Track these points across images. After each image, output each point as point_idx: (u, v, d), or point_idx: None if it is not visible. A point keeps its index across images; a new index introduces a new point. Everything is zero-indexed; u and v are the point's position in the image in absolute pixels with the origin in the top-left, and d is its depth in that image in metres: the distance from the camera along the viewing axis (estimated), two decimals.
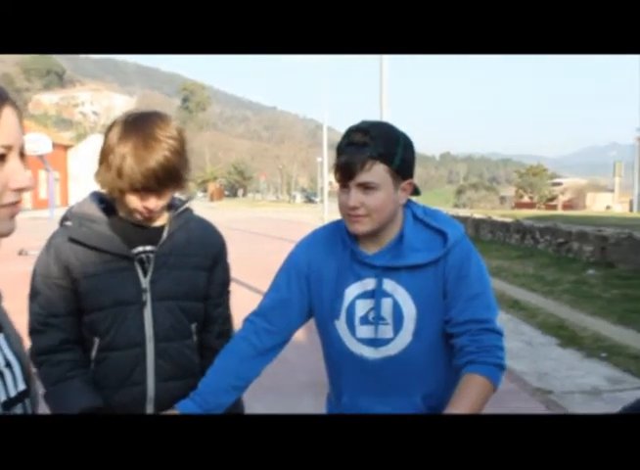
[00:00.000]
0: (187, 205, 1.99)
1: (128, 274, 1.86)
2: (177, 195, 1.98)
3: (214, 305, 2.02)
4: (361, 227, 1.71)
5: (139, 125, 1.77)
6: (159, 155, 1.75)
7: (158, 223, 1.92)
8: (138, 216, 1.85)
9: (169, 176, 1.78)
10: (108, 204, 1.92)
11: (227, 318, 2.07)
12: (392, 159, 1.66)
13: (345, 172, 1.67)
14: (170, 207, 1.94)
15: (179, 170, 1.81)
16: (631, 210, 43.78)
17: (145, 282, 1.87)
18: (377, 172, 1.65)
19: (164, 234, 1.90)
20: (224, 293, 2.07)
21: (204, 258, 1.97)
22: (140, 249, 1.89)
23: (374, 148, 1.64)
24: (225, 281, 2.07)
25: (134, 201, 1.80)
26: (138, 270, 1.87)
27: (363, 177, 1.65)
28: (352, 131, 1.69)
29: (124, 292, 1.86)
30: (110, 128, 1.82)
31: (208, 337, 2.01)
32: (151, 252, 1.89)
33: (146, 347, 1.87)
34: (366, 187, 1.66)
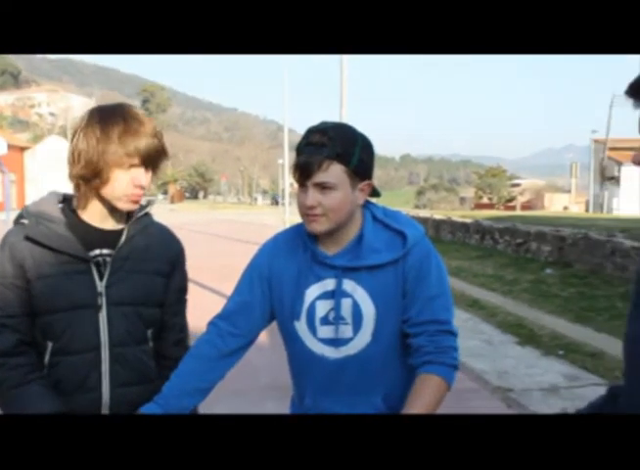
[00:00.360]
0: (147, 209, 1.96)
1: (84, 277, 1.83)
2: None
3: (172, 312, 1.99)
4: (318, 227, 1.72)
5: (119, 109, 1.80)
6: (149, 129, 1.78)
7: (116, 227, 1.89)
8: (123, 204, 1.81)
9: (161, 150, 1.82)
10: (66, 204, 1.89)
11: (184, 326, 2.05)
12: (350, 159, 1.68)
13: (303, 172, 1.69)
14: (129, 211, 1.91)
15: (164, 147, 1.85)
16: (587, 210, 44.69)
17: (101, 286, 1.83)
18: (334, 172, 1.67)
19: (123, 238, 1.87)
20: (182, 300, 2.04)
21: (162, 264, 1.95)
22: (97, 252, 1.85)
23: (331, 148, 1.66)
24: (183, 288, 2.04)
25: (123, 182, 1.78)
26: (94, 274, 1.83)
27: (320, 177, 1.67)
28: (311, 132, 1.70)
29: (79, 295, 1.82)
30: (86, 119, 1.80)
31: (165, 345, 1.99)
32: (108, 255, 1.86)
33: (101, 351, 1.84)
34: (323, 187, 1.68)
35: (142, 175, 1.80)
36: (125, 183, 1.78)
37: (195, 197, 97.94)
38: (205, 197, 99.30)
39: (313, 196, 1.69)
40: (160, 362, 1.97)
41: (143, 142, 1.77)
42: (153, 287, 1.92)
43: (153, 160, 1.81)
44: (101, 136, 1.75)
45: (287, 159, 33.29)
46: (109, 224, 1.88)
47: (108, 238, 1.87)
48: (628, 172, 39.14)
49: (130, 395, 1.86)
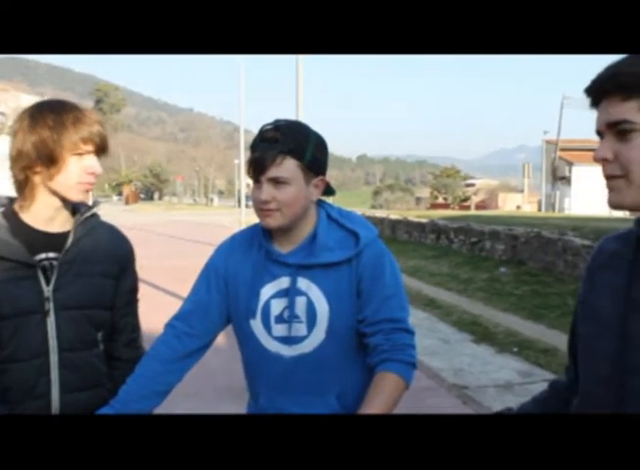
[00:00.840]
0: (93, 210, 1.92)
1: (30, 282, 1.78)
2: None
3: (122, 314, 1.96)
4: (272, 221, 1.73)
5: (64, 102, 1.83)
6: (96, 117, 1.81)
7: (62, 229, 1.85)
8: (76, 194, 1.79)
9: (107, 138, 1.83)
10: (8, 208, 1.84)
11: (135, 327, 2.02)
12: (303, 154, 1.70)
13: (257, 167, 1.70)
14: (75, 212, 1.88)
15: (107, 136, 1.86)
16: (540, 209, 45.52)
17: (48, 290, 1.79)
18: (287, 167, 1.69)
19: (69, 240, 1.83)
20: (132, 301, 2.01)
21: (110, 266, 1.91)
22: (43, 256, 1.81)
23: (284, 143, 1.68)
24: (133, 289, 2.01)
25: (77, 170, 1.76)
26: (41, 278, 1.79)
27: (274, 172, 1.68)
28: (265, 129, 1.72)
29: (26, 301, 1.77)
30: (31, 112, 1.78)
31: (116, 346, 1.96)
32: (54, 259, 1.81)
33: (50, 357, 1.80)
34: (277, 181, 1.69)
35: (95, 162, 1.80)
36: (79, 170, 1.77)
37: (150, 198, 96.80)
38: (160, 198, 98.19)
39: (267, 191, 1.70)
40: (111, 364, 1.94)
41: (95, 129, 1.78)
42: (101, 289, 1.89)
43: (103, 147, 1.82)
44: (54, 124, 1.74)
45: (243, 159, 33.15)
46: (54, 227, 1.84)
47: (53, 241, 1.82)
48: (579, 173, 40.03)
49: (81, 400, 1.83)
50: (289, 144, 1.68)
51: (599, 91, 1.14)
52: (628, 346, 1.14)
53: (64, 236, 1.84)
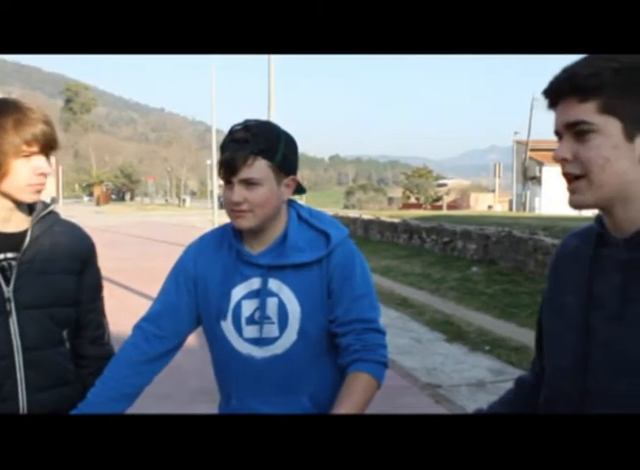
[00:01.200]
0: (51, 207, 1.90)
1: None
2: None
3: (86, 310, 1.94)
4: (245, 222, 1.72)
5: (7, 101, 1.79)
6: (41, 115, 1.76)
7: (19, 229, 1.83)
8: (28, 195, 1.76)
9: (55, 136, 1.79)
10: None
11: (100, 324, 2.01)
12: (274, 154, 1.70)
13: (228, 169, 1.69)
14: (32, 211, 1.86)
15: (56, 133, 1.82)
16: (511, 209, 45.98)
17: (8, 291, 1.77)
18: (259, 168, 1.68)
19: (27, 239, 1.81)
20: (96, 298, 2.00)
21: (71, 262, 1.89)
22: (1, 256, 1.79)
23: (255, 144, 1.67)
24: (97, 285, 2.00)
25: (25, 172, 1.73)
26: (0, 279, 1.78)
27: (246, 173, 1.67)
28: (234, 129, 1.72)
29: None
30: None
31: (81, 343, 1.95)
32: (13, 259, 1.79)
33: (14, 358, 1.78)
34: (249, 183, 1.68)
35: (43, 163, 1.77)
36: (28, 172, 1.74)
37: (121, 199, 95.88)
38: (131, 198, 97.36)
39: (239, 192, 1.69)
40: (77, 362, 1.93)
41: (39, 129, 1.74)
42: (63, 286, 1.87)
43: (51, 146, 1.78)
44: None
45: (215, 160, 33.01)
46: (10, 227, 1.81)
47: (11, 241, 1.80)
48: (549, 173, 40.44)
49: (48, 399, 1.81)
50: (259, 144, 1.67)
51: (557, 93, 1.17)
52: (590, 340, 1.18)
53: (21, 235, 1.82)
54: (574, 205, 1.18)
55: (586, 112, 1.13)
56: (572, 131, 1.15)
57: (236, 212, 1.72)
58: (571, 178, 1.17)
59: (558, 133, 1.19)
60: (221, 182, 1.76)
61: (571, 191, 1.17)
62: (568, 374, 1.23)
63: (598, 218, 1.25)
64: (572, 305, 1.24)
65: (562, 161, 1.17)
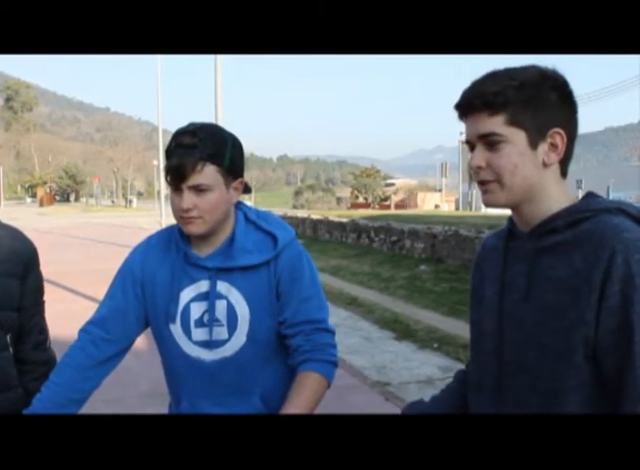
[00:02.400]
0: None
1: None
2: None
3: (30, 315, 1.92)
4: (195, 228, 1.70)
5: None
6: None
7: None
8: None
9: None
10: None
11: (43, 329, 1.98)
12: (222, 159, 1.68)
13: (177, 175, 1.65)
14: None
15: None
16: (457, 208, 46.68)
17: None
18: (208, 173, 1.66)
19: None
20: (39, 302, 1.98)
21: (14, 266, 1.87)
22: None
23: (203, 149, 1.64)
24: (39, 289, 1.98)
25: None
26: None
27: (195, 179, 1.65)
28: (180, 133, 1.68)
29: None
30: None
31: (24, 349, 1.92)
32: None
33: None
34: (198, 189, 1.66)
35: None
36: None
37: (66, 200, 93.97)
38: (76, 200, 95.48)
39: (189, 198, 1.66)
40: (20, 368, 1.89)
41: None
42: (6, 290, 1.84)
43: None
44: None
45: (162, 160, 32.57)
46: None
47: None
48: None
49: None
50: (208, 149, 1.64)
51: (467, 108, 1.30)
52: (503, 320, 1.34)
53: None
54: (488, 204, 1.33)
55: (496, 124, 1.26)
56: (484, 141, 1.28)
57: (185, 219, 1.69)
58: (484, 182, 1.30)
59: (469, 142, 1.32)
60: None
61: (485, 192, 1.31)
62: (488, 352, 1.38)
63: (510, 218, 1.40)
64: (490, 293, 1.39)
65: (477, 168, 1.30)
